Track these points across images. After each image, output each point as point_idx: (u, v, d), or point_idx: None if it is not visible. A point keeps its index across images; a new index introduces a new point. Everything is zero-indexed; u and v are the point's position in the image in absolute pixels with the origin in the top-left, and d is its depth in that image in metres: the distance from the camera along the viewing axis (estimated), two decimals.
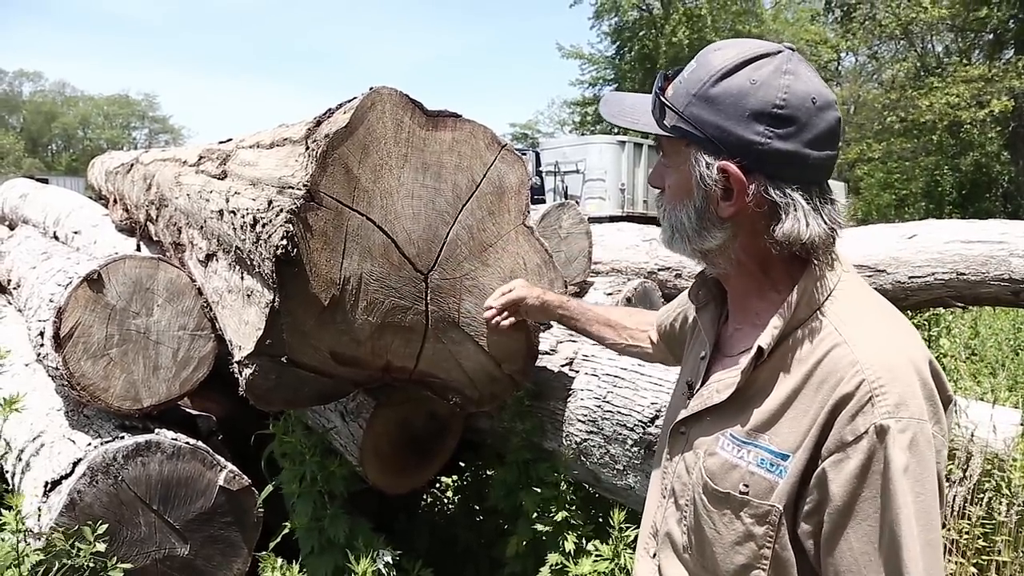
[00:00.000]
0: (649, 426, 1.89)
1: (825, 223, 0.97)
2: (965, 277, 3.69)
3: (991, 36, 22.82)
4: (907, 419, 0.87)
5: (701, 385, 1.11)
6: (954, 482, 3.07)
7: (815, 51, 31.99)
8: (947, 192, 22.57)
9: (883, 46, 27.43)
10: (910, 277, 3.83)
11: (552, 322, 1.92)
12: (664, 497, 1.15)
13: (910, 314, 4.90)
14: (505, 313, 1.82)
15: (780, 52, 0.99)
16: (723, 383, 1.05)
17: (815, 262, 0.99)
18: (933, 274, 3.77)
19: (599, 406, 2.00)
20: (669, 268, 4.51)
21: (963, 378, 4.98)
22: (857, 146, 25.71)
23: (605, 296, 3.11)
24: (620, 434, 1.94)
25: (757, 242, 1.00)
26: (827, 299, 0.99)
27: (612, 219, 10.56)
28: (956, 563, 2.84)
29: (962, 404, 3.34)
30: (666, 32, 31.57)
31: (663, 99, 1.03)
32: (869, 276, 3.94)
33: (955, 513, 2.97)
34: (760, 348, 0.98)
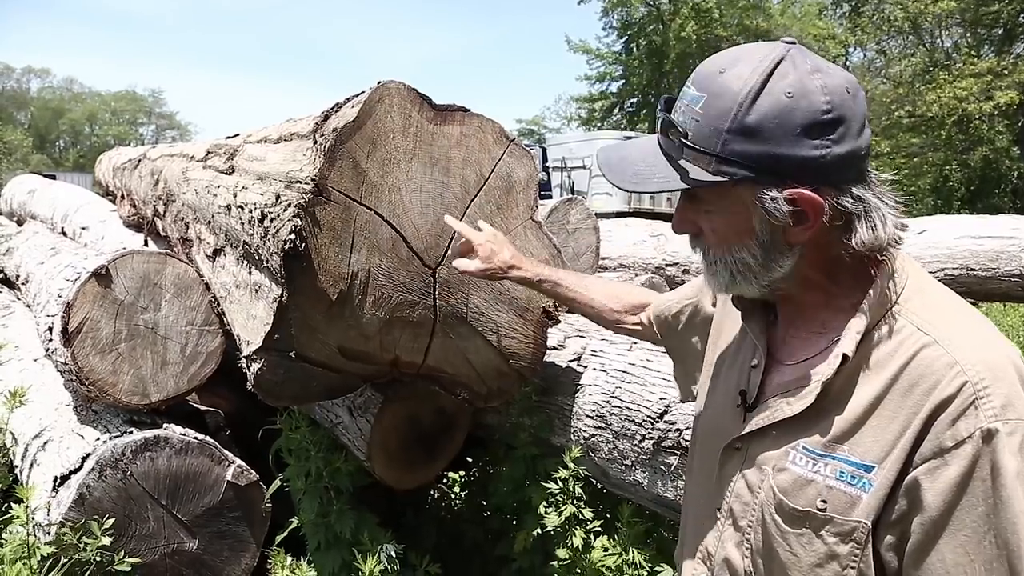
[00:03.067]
0: (658, 422, 1.88)
1: (893, 214, 0.92)
2: (976, 273, 3.67)
3: (1001, 30, 22.65)
4: (1015, 420, 0.81)
5: (758, 395, 1.03)
6: None
7: (823, 46, 31.85)
8: (956, 188, 22.46)
9: (891, 41, 27.27)
10: None
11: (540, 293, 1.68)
12: (720, 519, 1.06)
13: None
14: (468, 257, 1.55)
15: (789, 51, 0.92)
16: (794, 394, 0.97)
17: (886, 258, 0.93)
18: (943, 270, 3.75)
19: (607, 401, 2.00)
20: (677, 264, 4.50)
21: None
22: None
23: None
24: (629, 430, 1.93)
25: (827, 254, 0.94)
26: (899, 296, 0.93)
27: (619, 215, 10.54)
28: None
29: None
30: (674, 27, 31.45)
31: (690, 145, 0.92)
32: None
33: None
34: (845, 355, 0.90)
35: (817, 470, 0.92)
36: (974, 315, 0.93)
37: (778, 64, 0.90)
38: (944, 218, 4.04)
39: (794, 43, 0.93)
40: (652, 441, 1.88)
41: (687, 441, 1.84)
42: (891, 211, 0.92)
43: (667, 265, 4.49)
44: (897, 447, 0.86)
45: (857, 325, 0.92)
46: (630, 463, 1.94)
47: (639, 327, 1.54)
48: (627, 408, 1.95)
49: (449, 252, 1.72)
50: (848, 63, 33.24)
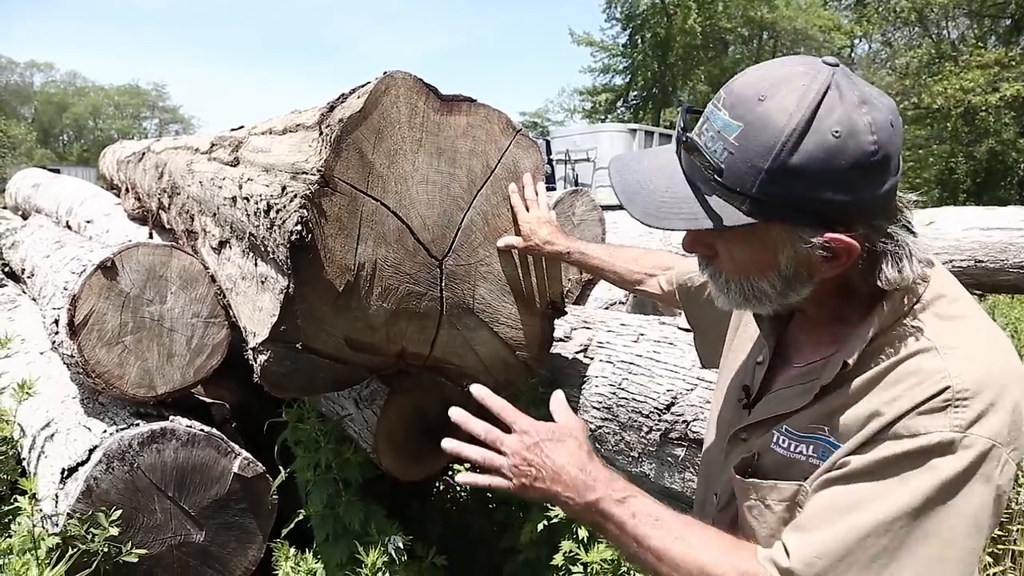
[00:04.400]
0: (664, 413, 1.88)
1: (919, 249, 0.88)
2: (984, 264, 3.65)
3: (1008, 21, 22.50)
4: (979, 437, 0.81)
5: (760, 391, 1.05)
6: None
7: (827, 37, 31.69)
8: (961, 180, 22.36)
9: (897, 32, 27.12)
10: None
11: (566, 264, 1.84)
12: (714, 502, 1.12)
13: None
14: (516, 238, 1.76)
15: (834, 75, 0.84)
16: (795, 391, 0.97)
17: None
18: (951, 261, 3.73)
19: (614, 393, 1.99)
20: (683, 255, 4.49)
21: None
22: None
23: None
24: (635, 421, 1.92)
25: (850, 280, 0.92)
26: (916, 303, 0.91)
27: (622, 207, 10.51)
28: None
29: None
30: (677, 19, 31.28)
31: (724, 184, 0.86)
32: None
33: None
34: (845, 363, 0.91)
35: (800, 451, 0.94)
36: (994, 336, 0.90)
37: (825, 94, 0.83)
38: (952, 209, 4.03)
39: (837, 64, 0.86)
40: (659, 433, 1.87)
41: (694, 433, 1.83)
42: (917, 246, 0.88)
43: None
44: (865, 428, 0.86)
45: (863, 334, 0.91)
46: (637, 455, 1.93)
47: (659, 291, 1.61)
48: (634, 400, 1.94)
49: (455, 243, 1.71)
50: (853, 54, 33.08)
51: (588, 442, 1.04)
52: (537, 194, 1.82)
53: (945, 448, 0.81)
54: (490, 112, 1.72)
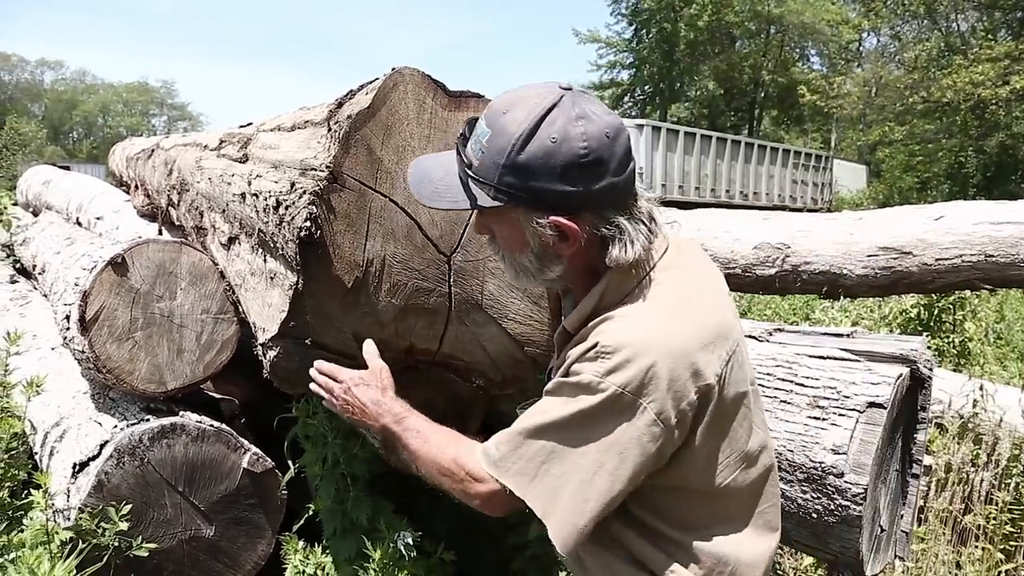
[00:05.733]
0: None
1: (644, 233, 1.14)
2: (994, 259, 3.62)
3: (1020, 14, 22.30)
4: (609, 382, 1.08)
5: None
6: (980, 467, 3.03)
7: (836, 31, 31.50)
8: (971, 174, 22.20)
9: (906, 25, 26.90)
10: (937, 259, 3.77)
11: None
12: None
13: (934, 297, 4.83)
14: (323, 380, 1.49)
15: (563, 97, 1.09)
16: (557, 365, 1.26)
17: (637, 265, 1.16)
18: (961, 256, 3.71)
19: None
20: None
21: (989, 362, 4.91)
22: (879, 128, 25.34)
23: None
24: None
25: (591, 260, 1.17)
26: (636, 286, 1.16)
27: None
28: (983, 548, 2.80)
29: (989, 389, 3.30)
30: (686, 15, 31.11)
31: (474, 176, 1.12)
32: (894, 259, 3.89)
33: (982, 498, 2.94)
34: (564, 329, 1.24)
35: None
36: (667, 312, 1.14)
37: (549, 111, 1.07)
38: (962, 203, 4.00)
39: (570, 88, 1.11)
40: None
41: None
42: (642, 233, 1.13)
43: None
44: (560, 369, 1.19)
45: (584, 307, 1.20)
46: None
47: None
48: None
49: (464, 239, 1.72)
50: (861, 48, 32.85)
51: (385, 379, 1.42)
52: None
53: (588, 387, 1.09)
54: None
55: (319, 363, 1.49)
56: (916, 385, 1.83)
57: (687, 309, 1.15)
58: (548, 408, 1.14)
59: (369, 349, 1.48)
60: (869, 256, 3.95)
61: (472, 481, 1.20)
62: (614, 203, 1.11)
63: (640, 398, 1.07)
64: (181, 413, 2.10)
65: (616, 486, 1.10)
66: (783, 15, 30.98)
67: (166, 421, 2.01)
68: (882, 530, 1.82)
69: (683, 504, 1.20)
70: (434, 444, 1.28)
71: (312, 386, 1.49)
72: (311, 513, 2.13)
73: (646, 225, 1.15)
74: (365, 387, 1.40)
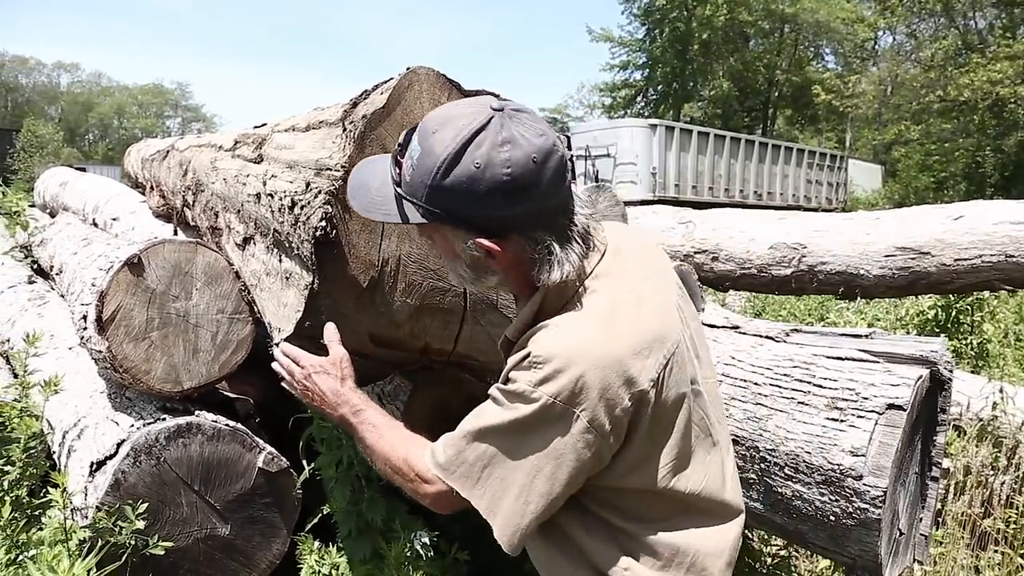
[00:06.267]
0: None
1: (578, 252, 1.15)
2: (1015, 259, 3.58)
3: None
4: (541, 392, 1.10)
5: None
6: (1000, 470, 3.00)
7: (850, 30, 31.28)
8: (989, 174, 21.97)
9: (922, 23, 26.67)
10: (956, 259, 3.73)
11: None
12: None
13: (952, 298, 4.77)
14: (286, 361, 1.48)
15: (492, 119, 1.08)
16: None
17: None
18: (980, 256, 3.67)
19: None
20: (706, 251, 4.45)
21: (1008, 364, 4.84)
22: (894, 127, 25.14)
23: None
24: None
25: (526, 274, 1.17)
26: (574, 295, 1.18)
27: (643, 203, 10.47)
28: (1002, 553, 2.77)
29: (1009, 391, 3.26)
30: (699, 14, 30.98)
31: (403, 195, 1.14)
32: (912, 259, 3.85)
33: (1002, 502, 2.90)
34: (506, 337, 1.27)
35: None
36: (597, 323, 1.14)
37: (476, 134, 1.07)
38: (981, 203, 3.96)
39: (501, 109, 1.10)
40: None
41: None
42: (574, 251, 1.15)
43: (695, 252, 4.46)
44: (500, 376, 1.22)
45: (523, 316, 1.22)
46: None
47: None
48: None
49: None
50: (877, 47, 32.59)
51: (345, 369, 1.41)
52: None
53: (522, 396, 1.11)
54: None
55: (284, 345, 1.49)
56: (935, 387, 1.81)
57: (619, 317, 1.16)
58: (489, 414, 1.17)
59: (329, 334, 1.46)
60: (887, 256, 3.91)
61: (421, 482, 1.24)
62: (544, 225, 1.13)
63: (572, 407, 1.09)
64: (197, 412, 2.10)
65: (555, 489, 1.14)
66: (797, 14, 30.79)
67: (182, 420, 2.02)
68: (901, 533, 1.80)
69: (634, 500, 1.22)
70: (387, 441, 1.31)
71: (275, 365, 1.49)
72: (325, 513, 2.14)
73: (580, 244, 1.16)
74: (325, 375, 1.40)
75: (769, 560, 2.65)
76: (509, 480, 1.15)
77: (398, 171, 1.16)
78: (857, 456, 1.66)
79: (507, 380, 1.16)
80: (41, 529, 1.85)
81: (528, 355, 1.12)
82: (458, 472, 1.18)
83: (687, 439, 1.22)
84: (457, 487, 1.19)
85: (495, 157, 1.06)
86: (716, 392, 1.38)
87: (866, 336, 1.97)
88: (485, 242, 1.12)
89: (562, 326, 1.15)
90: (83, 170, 7.12)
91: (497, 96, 1.68)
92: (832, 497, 1.70)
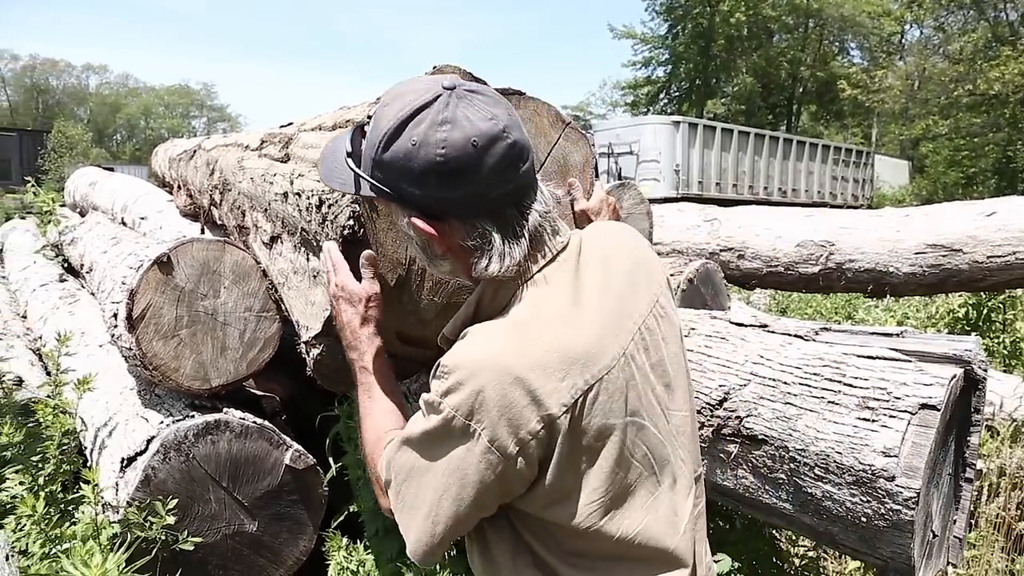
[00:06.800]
0: (717, 409, 1.85)
1: (522, 249, 1.08)
2: None
3: None
4: (445, 404, 1.04)
5: None
6: None
7: (876, 24, 30.85)
8: (1020, 168, 21.54)
9: (951, 16, 26.23)
10: (989, 257, 3.66)
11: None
12: None
13: (983, 296, 4.69)
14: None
15: (439, 97, 1.05)
16: None
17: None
18: (1014, 253, 3.60)
19: None
20: (732, 248, 4.42)
21: None
22: (922, 122, 24.76)
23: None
24: None
25: (470, 265, 1.12)
26: (509, 300, 1.11)
27: (665, 200, 10.40)
28: None
29: None
30: (721, 10, 30.72)
31: (351, 167, 1.14)
32: (943, 256, 3.79)
33: None
34: (443, 335, 1.21)
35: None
36: (506, 334, 1.07)
37: (419, 111, 1.04)
38: (1015, 199, 3.88)
39: (453, 88, 1.06)
40: (711, 428, 1.84)
41: (747, 429, 1.80)
42: (518, 248, 1.08)
43: (721, 250, 4.43)
44: None
45: (461, 314, 1.18)
46: None
47: None
48: None
49: None
50: (904, 41, 32.10)
51: (370, 309, 1.36)
52: (592, 185, 1.81)
53: (432, 406, 1.07)
54: (539, 105, 1.71)
55: (331, 246, 1.46)
56: (969, 386, 1.78)
57: (539, 330, 1.06)
58: (413, 422, 1.12)
59: (364, 262, 1.39)
60: (917, 254, 3.85)
61: (383, 495, 1.21)
62: (486, 213, 1.07)
63: (471, 422, 1.02)
64: (225, 410, 2.12)
65: (461, 511, 1.07)
66: (822, 8, 30.43)
67: (210, 417, 2.04)
68: (934, 535, 1.76)
69: (560, 535, 1.11)
70: (374, 419, 1.29)
71: (321, 256, 1.48)
72: (352, 511, 2.15)
73: (526, 242, 1.09)
74: (348, 305, 1.37)
75: (797, 561, 2.62)
76: (421, 497, 1.09)
77: (361, 142, 1.14)
78: (889, 457, 1.63)
79: (428, 388, 1.10)
80: (74, 524, 1.88)
81: (439, 364, 1.07)
82: (392, 484, 1.14)
83: (620, 477, 1.10)
84: (390, 500, 1.15)
85: (431, 136, 1.02)
86: (685, 426, 1.23)
87: (897, 335, 1.94)
88: (418, 222, 1.08)
89: (476, 334, 1.08)
90: (111, 170, 7.22)
91: (519, 92, 1.69)
92: (864, 498, 1.67)
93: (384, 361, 1.36)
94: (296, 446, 2.14)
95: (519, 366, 1.02)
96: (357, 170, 1.13)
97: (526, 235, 1.09)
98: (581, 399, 1.04)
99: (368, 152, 1.10)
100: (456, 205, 1.06)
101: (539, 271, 1.12)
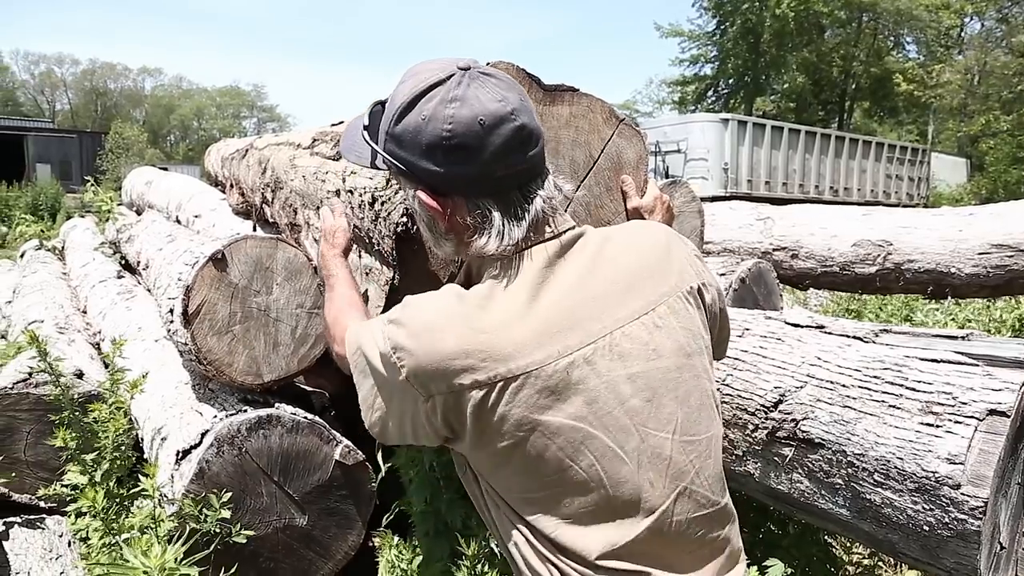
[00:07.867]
0: (772, 411, 1.80)
1: (521, 231, 1.10)
2: None
3: None
4: (386, 333, 1.10)
5: None
6: None
7: (934, 17, 29.91)
8: None
9: (1015, 7, 25.28)
10: None
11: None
12: None
13: None
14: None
15: (451, 77, 1.07)
16: None
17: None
18: None
19: (718, 389, 1.92)
20: (785, 248, 4.32)
21: None
22: (982, 118, 23.94)
23: (718, 277, 2.99)
24: (740, 419, 1.85)
25: (471, 244, 1.14)
26: (481, 278, 1.15)
27: (714, 199, 10.24)
28: None
29: None
30: (770, 4, 30.14)
31: (366, 139, 1.18)
32: (1009, 256, 3.65)
33: None
34: None
35: None
36: (463, 305, 1.08)
37: (432, 87, 1.07)
38: None
39: (467, 68, 1.09)
40: (765, 431, 1.80)
41: (803, 432, 1.75)
42: (518, 229, 1.10)
43: (774, 249, 4.34)
44: None
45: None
46: (740, 453, 1.86)
47: None
48: (739, 396, 1.87)
49: None
50: (963, 34, 31.06)
51: (336, 239, 1.61)
52: (645, 183, 1.78)
53: (383, 324, 1.13)
54: (593, 101, 1.69)
55: (328, 204, 1.71)
56: None
57: (476, 313, 1.07)
58: (371, 326, 1.18)
59: (334, 204, 1.70)
60: (980, 254, 3.71)
61: (335, 343, 1.39)
62: (490, 193, 1.09)
63: (395, 357, 1.08)
64: (276, 405, 2.15)
65: (388, 420, 1.15)
66: (877, 2, 29.62)
67: (263, 412, 2.06)
68: (1001, 547, 1.69)
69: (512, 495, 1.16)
70: (336, 300, 1.48)
71: (323, 210, 1.74)
72: (400, 509, 2.15)
73: (527, 224, 1.10)
74: (324, 242, 1.63)
75: (852, 569, 2.54)
76: (367, 386, 1.17)
77: (371, 118, 1.20)
78: (955, 464, 1.57)
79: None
80: (132, 515, 1.93)
81: (405, 297, 1.14)
82: (354, 354, 1.19)
83: (555, 478, 1.07)
84: (350, 365, 1.22)
85: (440, 112, 1.05)
86: (666, 450, 1.11)
87: (962, 338, 1.87)
88: (424, 195, 1.11)
89: (443, 290, 1.12)
90: (165, 170, 7.42)
91: (572, 88, 1.67)
92: (926, 506, 1.61)
93: (347, 272, 1.56)
94: (346, 441, 2.16)
95: (451, 335, 1.05)
96: (372, 143, 1.17)
97: (527, 219, 1.11)
98: (502, 384, 1.04)
99: (383, 126, 1.14)
100: (460, 182, 1.09)
101: (518, 255, 1.12)
